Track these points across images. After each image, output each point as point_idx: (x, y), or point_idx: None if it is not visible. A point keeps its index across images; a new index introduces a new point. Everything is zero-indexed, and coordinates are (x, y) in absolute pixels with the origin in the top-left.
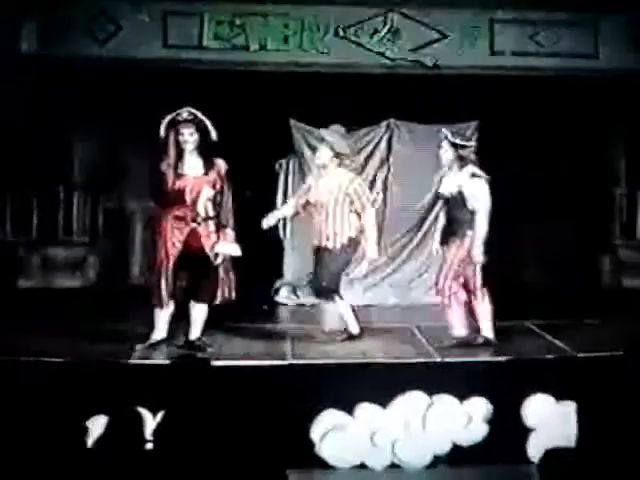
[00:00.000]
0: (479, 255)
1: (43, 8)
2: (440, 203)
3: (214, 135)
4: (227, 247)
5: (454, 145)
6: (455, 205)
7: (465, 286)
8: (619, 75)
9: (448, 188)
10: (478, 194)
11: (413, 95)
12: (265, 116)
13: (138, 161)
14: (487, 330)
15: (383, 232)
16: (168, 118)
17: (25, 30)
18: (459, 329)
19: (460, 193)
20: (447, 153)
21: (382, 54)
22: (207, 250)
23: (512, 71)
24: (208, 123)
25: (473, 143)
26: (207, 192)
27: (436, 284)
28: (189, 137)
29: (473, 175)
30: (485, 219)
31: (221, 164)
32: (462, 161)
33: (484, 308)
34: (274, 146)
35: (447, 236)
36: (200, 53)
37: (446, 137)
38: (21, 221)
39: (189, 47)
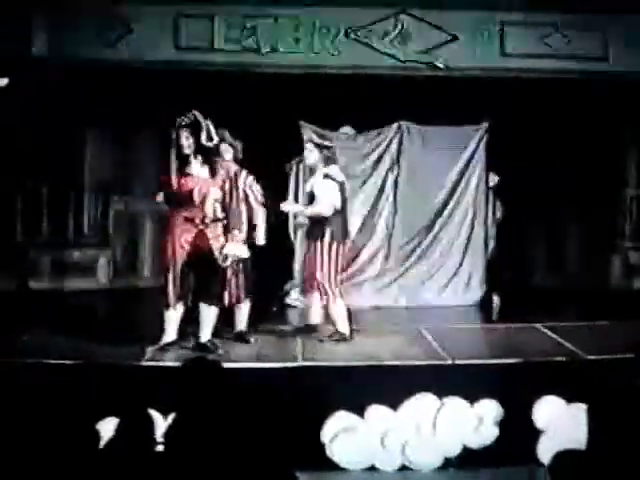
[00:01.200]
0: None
1: (53, 11)
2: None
3: (214, 140)
4: (236, 249)
5: (318, 146)
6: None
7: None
8: (629, 77)
9: (307, 187)
10: (324, 195)
11: (424, 97)
12: (276, 118)
13: (148, 163)
14: (343, 326)
15: (393, 235)
16: (177, 122)
17: (35, 33)
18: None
19: (312, 192)
20: (312, 154)
21: (393, 56)
22: (215, 252)
23: (522, 73)
24: (205, 127)
25: (335, 144)
26: (214, 194)
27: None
28: (185, 141)
29: (326, 176)
30: (314, 212)
31: (231, 166)
32: (327, 161)
33: (337, 308)
34: (284, 148)
35: (309, 233)
36: (211, 55)
37: (310, 139)
38: (32, 222)
39: (200, 49)
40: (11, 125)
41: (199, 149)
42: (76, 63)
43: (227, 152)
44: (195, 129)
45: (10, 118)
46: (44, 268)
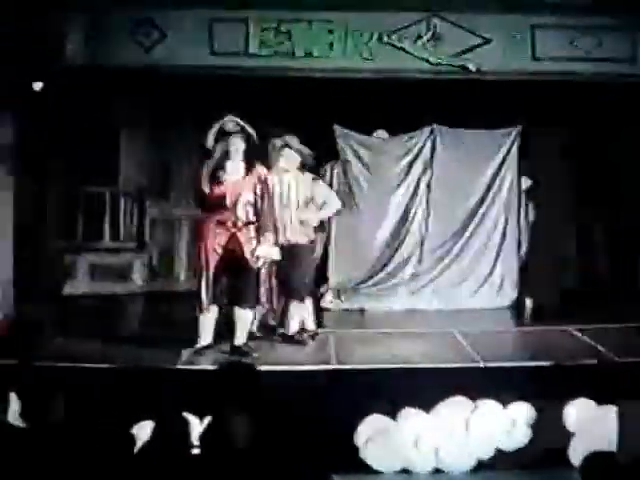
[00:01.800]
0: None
1: (88, 16)
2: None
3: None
4: (268, 251)
5: (300, 153)
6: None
7: None
8: None
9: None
10: (326, 194)
11: (456, 100)
12: (310, 122)
13: (184, 167)
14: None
15: (426, 238)
16: (216, 127)
17: (71, 39)
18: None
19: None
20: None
21: (425, 59)
22: (247, 255)
23: (554, 76)
24: (252, 132)
25: (312, 152)
26: (247, 197)
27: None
28: (237, 146)
29: (314, 179)
30: (330, 211)
31: (261, 169)
32: (303, 167)
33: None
34: (318, 152)
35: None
36: (246, 60)
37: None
38: (67, 227)
39: (235, 54)
40: (46, 129)
41: (247, 153)
42: (110, 68)
43: (292, 158)
44: (245, 135)
45: (45, 123)
46: (79, 272)
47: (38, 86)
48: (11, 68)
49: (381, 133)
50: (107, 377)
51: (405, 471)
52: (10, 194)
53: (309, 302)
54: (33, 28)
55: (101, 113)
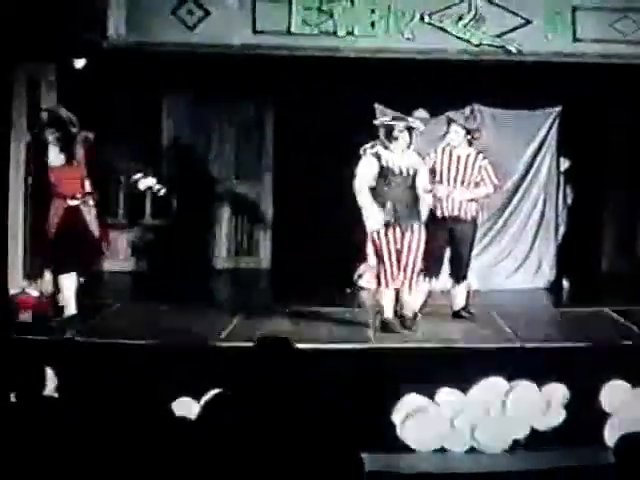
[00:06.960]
0: None
1: None
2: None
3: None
4: None
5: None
6: (411, 184)
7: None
8: None
9: (403, 165)
10: (425, 174)
11: (497, 81)
12: (351, 101)
13: (225, 146)
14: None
15: None
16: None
17: (113, 17)
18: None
19: (415, 172)
20: (404, 133)
21: (466, 40)
22: None
23: (593, 58)
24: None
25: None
26: None
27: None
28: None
29: (419, 154)
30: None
31: None
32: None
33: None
34: (359, 131)
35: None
36: (288, 39)
37: (414, 119)
38: (108, 205)
39: (277, 33)
40: (88, 108)
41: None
42: (153, 47)
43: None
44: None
45: (86, 102)
46: (120, 249)
47: (80, 64)
48: (53, 45)
49: (421, 113)
50: (148, 354)
51: (441, 450)
52: None
53: None
54: (75, 6)
55: (143, 92)
